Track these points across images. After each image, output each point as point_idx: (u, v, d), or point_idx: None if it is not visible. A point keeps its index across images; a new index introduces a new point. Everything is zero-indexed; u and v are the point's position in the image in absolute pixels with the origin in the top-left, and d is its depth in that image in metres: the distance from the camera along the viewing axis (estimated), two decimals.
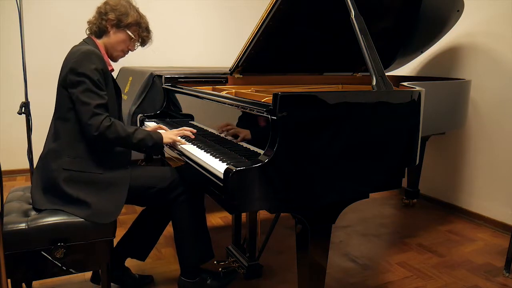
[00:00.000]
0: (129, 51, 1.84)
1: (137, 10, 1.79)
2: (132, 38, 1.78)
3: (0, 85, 3.68)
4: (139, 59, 3.95)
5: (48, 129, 1.71)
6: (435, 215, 3.12)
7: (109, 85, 1.69)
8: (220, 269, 1.99)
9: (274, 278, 2.12)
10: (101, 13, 1.73)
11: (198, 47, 4.50)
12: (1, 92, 3.69)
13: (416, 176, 3.21)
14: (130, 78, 3.14)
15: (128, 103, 2.80)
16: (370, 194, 1.49)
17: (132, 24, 1.75)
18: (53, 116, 1.69)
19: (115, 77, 1.83)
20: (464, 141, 3.11)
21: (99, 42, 1.76)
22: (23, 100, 2.55)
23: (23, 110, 2.49)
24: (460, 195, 3.16)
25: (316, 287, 1.49)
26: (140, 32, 1.81)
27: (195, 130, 1.83)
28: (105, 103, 1.60)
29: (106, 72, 1.65)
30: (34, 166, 1.87)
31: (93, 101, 1.56)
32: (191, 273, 1.85)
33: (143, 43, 1.86)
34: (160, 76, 2.56)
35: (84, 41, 1.75)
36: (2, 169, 1.54)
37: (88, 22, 1.79)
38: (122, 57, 1.84)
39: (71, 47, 1.72)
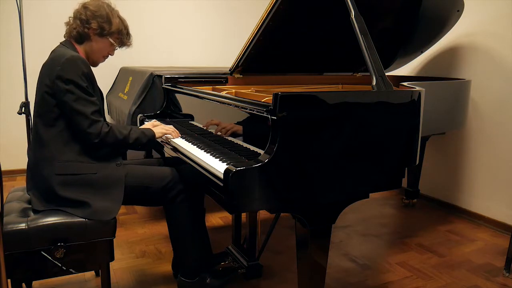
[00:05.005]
0: (109, 56, 1.83)
1: (118, 16, 1.77)
2: (114, 44, 1.78)
3: (0, 85, 3.68)
4: (139, 59, 3.97)
5: None
6: (435, 215, 3.12)
7: (96, 88, 1.69)
8: (220, 269, 1.99)
9: (274, 278, 2.12)
10: (83, 20, 1.69)
11: (198, 47, 4.50)
12: (1, 92, 3.69)
13: (416, 176, 3.21)
14: (130, 78, 3.14)
15: (128, 103, 2.80)
16: (370, 194, 1.49)
17: (114, 32, 1.75)
18: (34, 122, 1.64)
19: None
20: (464, 141, 3.11)
21: (80, 48, 1.73)
22: (23, 100, 2.55)
23: (23, 110, 2.50)
24: (460, 195, 3.16)
25: (316, 287, 1.49)
26: (122, 39, 1.80)
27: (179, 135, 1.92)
28: (99, 108, 1.63)
29: (92, 76, 1.64)
30: None
31: (88, 109, 1.57)
32: (190, 273, 1.85)
33: (123, 46, 1.85)
34: (160, 76, 2.56)
35: (63, 45, 1.71)
36: (2, 169, 1.54)
37: (66, 24, 1.74)
38: (102, 61, 1.82)
39: None
